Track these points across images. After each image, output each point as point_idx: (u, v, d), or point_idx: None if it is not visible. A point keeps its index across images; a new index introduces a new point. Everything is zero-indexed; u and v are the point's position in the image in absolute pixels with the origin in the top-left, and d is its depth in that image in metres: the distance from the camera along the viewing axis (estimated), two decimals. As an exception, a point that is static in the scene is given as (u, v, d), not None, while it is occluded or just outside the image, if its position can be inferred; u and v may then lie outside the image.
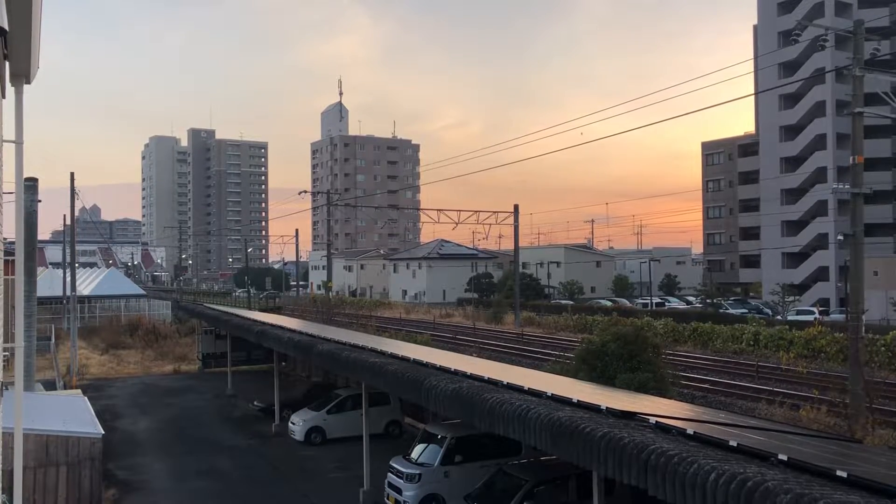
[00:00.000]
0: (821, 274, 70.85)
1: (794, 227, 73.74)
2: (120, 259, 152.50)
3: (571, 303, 71.79)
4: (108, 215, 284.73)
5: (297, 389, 27.46)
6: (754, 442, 8.57)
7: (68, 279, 41.95)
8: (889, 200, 68.84)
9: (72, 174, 36.08)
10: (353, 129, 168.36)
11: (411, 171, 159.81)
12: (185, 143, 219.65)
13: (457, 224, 58.51)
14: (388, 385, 14.69)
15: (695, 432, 8.58)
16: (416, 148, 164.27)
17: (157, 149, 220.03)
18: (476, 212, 58.91)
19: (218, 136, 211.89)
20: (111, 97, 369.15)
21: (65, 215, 45.26)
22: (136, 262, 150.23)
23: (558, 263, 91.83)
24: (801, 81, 69.06)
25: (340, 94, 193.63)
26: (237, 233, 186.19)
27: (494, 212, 59.87)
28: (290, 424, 22.69)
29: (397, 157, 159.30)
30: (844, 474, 6.81)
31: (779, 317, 52.70)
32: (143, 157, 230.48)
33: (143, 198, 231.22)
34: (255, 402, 27.51)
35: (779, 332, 38.37)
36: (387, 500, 15.66)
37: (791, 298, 59.19)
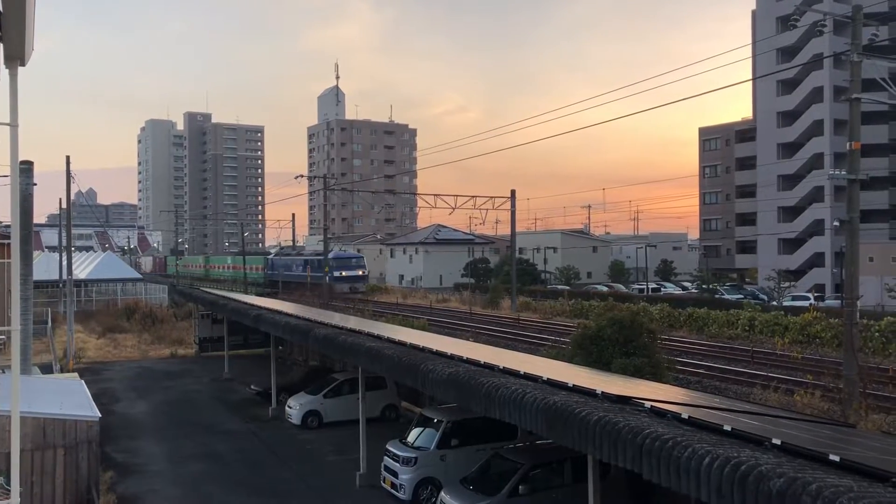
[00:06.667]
0: (817, 260, 71.02)
1: (790, 213, 73.82)
2: (116, 243, 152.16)
3: (568, 288, 71.91)
4: (104, 199, 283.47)
5: (294, 373, 27.55)
6: (748, 426, 8.62)
7: (65, 263, 41.89)
8: (885, 187, 68.89)
9: (67, 157, 35.95)
10: (351, 114, 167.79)
11: (408, 156, 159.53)
12: (181, 126, 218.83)
13: (454, 209, 58.50)
14: (385, 369, 14.74)
15: (689, 417, 8.64)
16: (413, 133, 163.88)
17: (153, 132, 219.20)
18: (473, 197, 58.94)
19: (214, 119, 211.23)
20: (107, 81, 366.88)
21: (61, 199, 45.08)
22: (132, 246, 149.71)
23: (555, 249, 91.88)
24: (799, 67, 68.93)
25: (337, 77, 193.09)
26: (233, 217, 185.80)
27: (491, 197, 59.94)
28: (286, 408, 22.77)
29: (394, 142, 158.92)
30: (837, 458, 6.86)
31: (774, 302, 52.85)
32: (140, 141, 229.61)
33: (140, 181, 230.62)
34: (252, 386, 27.58)
35: (774, 318, 38.49)
36: (383, 484, 15.74)
37: (787, 284, 59.32)
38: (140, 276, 73.44)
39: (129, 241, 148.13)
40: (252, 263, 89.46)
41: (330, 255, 69.57)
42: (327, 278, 64.51)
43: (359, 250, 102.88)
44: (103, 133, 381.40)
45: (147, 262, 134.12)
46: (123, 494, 16.21)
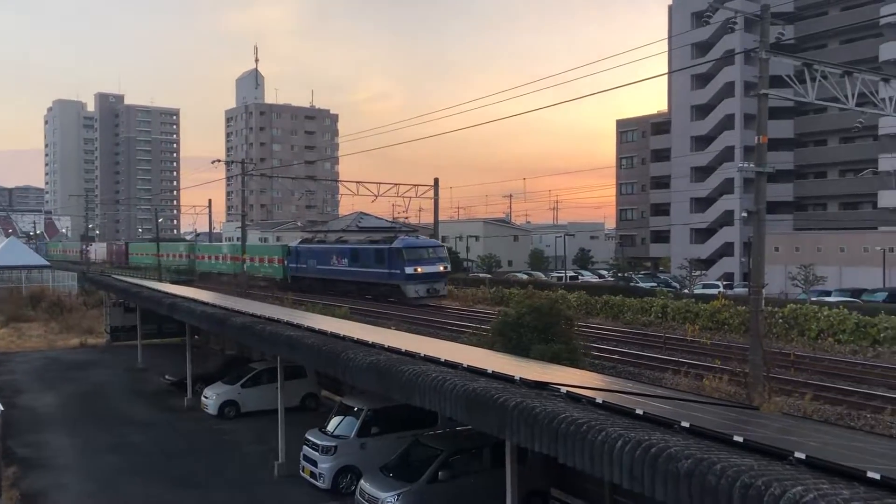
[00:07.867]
0: (726, 249, 73.78)
1: (702, 203, 76.43)
2: (21, 228, 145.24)
3: (489, 276, 72.60)
4: (6, 182, 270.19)
5: (211, 363, 26.96)
6: (660, 410, 8.91)
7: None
8: (791, 179, 72.12)
9: (-33, 138, 34.11)
10: (270, 98, 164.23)
11: (330, 141, 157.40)
12: (91, 108, 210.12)
13: (376, 197, 58.30)
14: (305, 358, 14.60)
15: (604, 401, 8.86)
16: (335, 118, 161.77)
17: (61, 113, 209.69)
18: (396, 185, 58.80)
19: (127, 101, 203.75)
20: (11, 59, 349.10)
21: (-41, 181, 42.75)
22: (39, 231, 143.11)
23: (477, 237, 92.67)
24: (713, 62, 71.29)
25: (256, 60, 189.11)
26: (147, 202, 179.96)
27: (414, 185, 59.95)
28: (203, 398, 22.28)
29: (315, 128, 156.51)
30: (741, 439, 7.17)
31: (686, 290, 54.66)
32: (46, 122, 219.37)
33: (47, 164, 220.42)
34: (167, 376, 26.89)
35: (685, 305, 39.75)
36: (302, 473, 15.62)
37: (697, 273, 61.48)
38: (47, 262, 70.32)
39: (35, 227, 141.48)
40: (266, 254, 70.85)
41: (398, 244, 51.75)
42: (389, 274, 50.88)
43: (279, 238, 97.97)
44: (6, 114, 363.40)
45: (99, 250, 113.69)
46: (28, 490, 15.56)
